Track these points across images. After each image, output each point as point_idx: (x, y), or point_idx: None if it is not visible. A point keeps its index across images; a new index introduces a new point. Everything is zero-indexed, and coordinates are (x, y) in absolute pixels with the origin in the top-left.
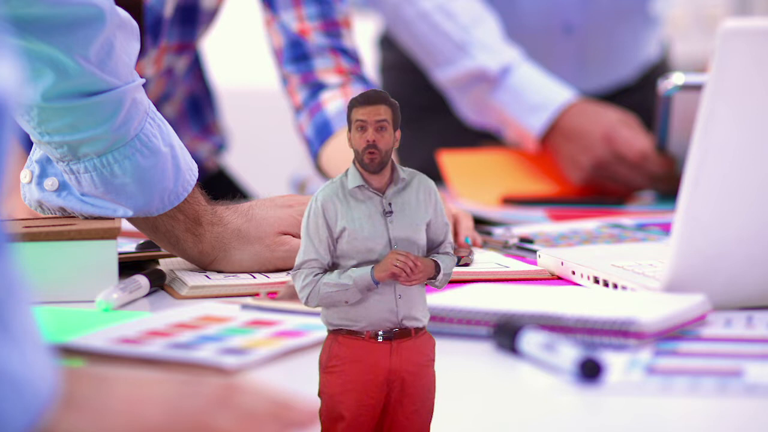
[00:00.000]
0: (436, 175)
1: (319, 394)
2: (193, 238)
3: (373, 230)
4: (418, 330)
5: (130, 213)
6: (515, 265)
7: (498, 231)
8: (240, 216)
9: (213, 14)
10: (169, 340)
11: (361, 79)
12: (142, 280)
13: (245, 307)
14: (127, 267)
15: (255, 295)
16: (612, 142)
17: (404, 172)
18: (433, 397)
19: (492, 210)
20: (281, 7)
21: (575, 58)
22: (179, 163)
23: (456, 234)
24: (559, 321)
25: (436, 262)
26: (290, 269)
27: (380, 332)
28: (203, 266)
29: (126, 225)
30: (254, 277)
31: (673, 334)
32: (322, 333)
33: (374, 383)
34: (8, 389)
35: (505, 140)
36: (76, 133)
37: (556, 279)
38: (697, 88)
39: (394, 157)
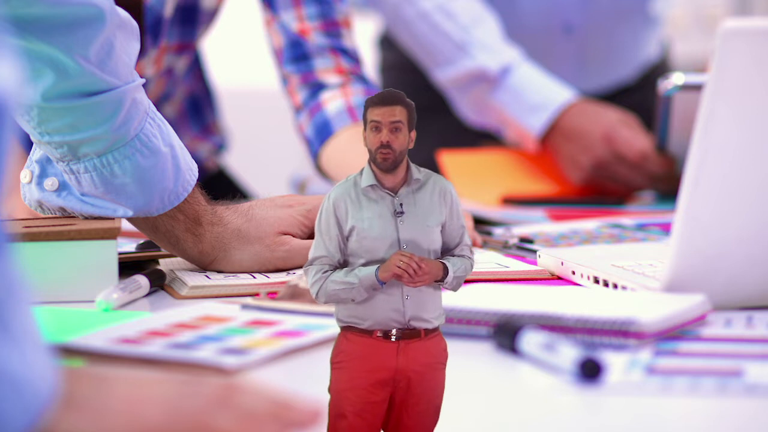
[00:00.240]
0: None
1: (329, 390)
2: (193, 238)
3: (382, 230)
4: (428, 331)
5: (130, 213)
6: (515, 265)
7: (498, 231)
8: (240, 216)
9: (213, 14)
10: (169, 340)
11: (361, 79)
12: (142, 280)
13: (245, 307)
14: (127, 267)
15: (255, 295)
16: (612, 142)
17: (419, 172)
18: (440, 400)
19: (492, 210)
20: (281, 7)
21: (575, 58)
22: (179, 163)
23: None
24: (559, 321)
25: (444, 264)
26: (290, 269)
27: (392, 331)
28: (203, 266)
29: (126, 225)
30: (254, 277)
31: (673, 334)
32: (322, 333)
33: (379, 381)
34: (8, 389)
35: (505, 140)
36: (76, 133)
37: (556, 279)
38: (697, 88)
39: None
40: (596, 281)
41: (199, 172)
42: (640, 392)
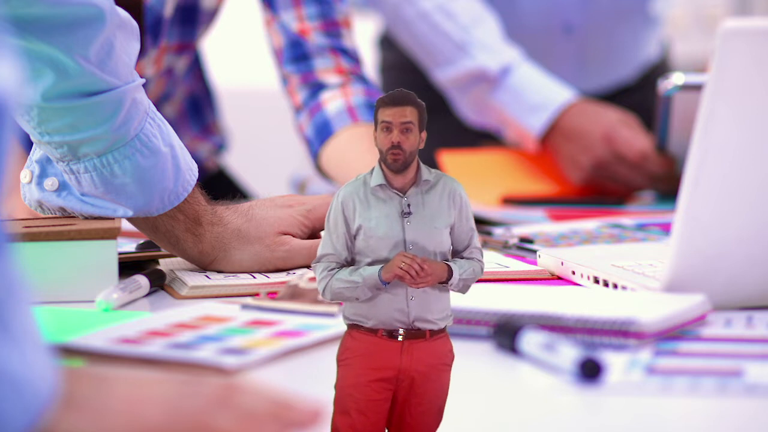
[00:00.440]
0: None
1: (334, 387)
2: (193, 238)
3: (388, 230)
4: (433, 332)
5: (130, 213)
6: (515, 265)
7: (498, 231)
8: (240, 216)
9: (213, 14)
10: (169, 340)
11: (361, 79)
12: (142, 280)
13: (245, 307)
14: (127, 267)
15: (255, 295)
16: (612, 142)
17: (430, 173)
18: (444, 401)
19: (492, 210)
20: (281, 7)
21: (575, 58)
22: (179, 163)
23: None
24: (559, 321)
25: (448, 266)
26: (290, 269)
27: (399, 331)
28: (203, 266)
29: (126, 225)
30: (254, 277)
31: (673, 334)
32: (322, 333)
33: (382, 379)
34: (8, 389)
35: (505, 140)
36: (76, 133)
37: (556, 279)
38: (697, 88)
39: None
40: (596, 281)
41: (199, 172)
42: (640, 392)
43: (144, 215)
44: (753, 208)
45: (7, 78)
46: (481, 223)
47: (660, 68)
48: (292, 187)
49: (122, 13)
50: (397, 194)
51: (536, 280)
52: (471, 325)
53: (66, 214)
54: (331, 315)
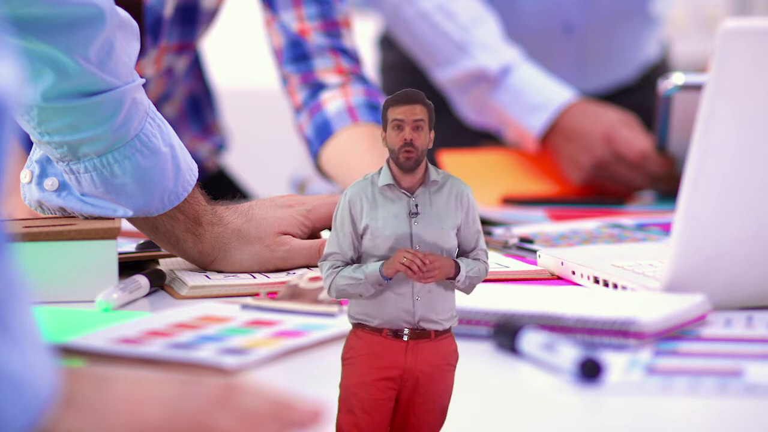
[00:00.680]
0: None
1: (339, 386)
2: (193, 238)
3: (395, 230)
4: (438, 333)
5: (130, 213)
6: (515, 265)
7: (498, 231)
8: (240, 216)
9: (213, 14)
10: (169, 340)
11: (361, 79)
12: (142, 280)
13: (245, 307)
14: (127, 267)
15: (255, 295)
16: (612, 142)
17: (438, 174)
18: (447, 401)
19: (492, 210)
20: (281, 7)
21: (575, 58)
22: (179, 163)
23: None
24: (559, 321)
25: (456, 262)
26: (290, 269)
27: (404, 331)
28: (203, 266)
29: (126, 225)
30: (254, 277)
31: (673, 334)
32: (322, 333)
33: (387, 378)
34: (8, 389)
35: (505, 140)
36: (76, 133)
37: (556, 279)
38: (697, 88)
39: None
40: (596, 281)
41: (199, 172)
42: (640, 392)
43: (144, 215)
44: (753, 208)
45: (7, 78)
46: (482, 223)
47: (660, 68)
48: (292, 187)
49: (122, 13)
50: (405, 194)
51: (536, 280)
52: (471, 325)
53: (66, 214)
54: (330, 315)
